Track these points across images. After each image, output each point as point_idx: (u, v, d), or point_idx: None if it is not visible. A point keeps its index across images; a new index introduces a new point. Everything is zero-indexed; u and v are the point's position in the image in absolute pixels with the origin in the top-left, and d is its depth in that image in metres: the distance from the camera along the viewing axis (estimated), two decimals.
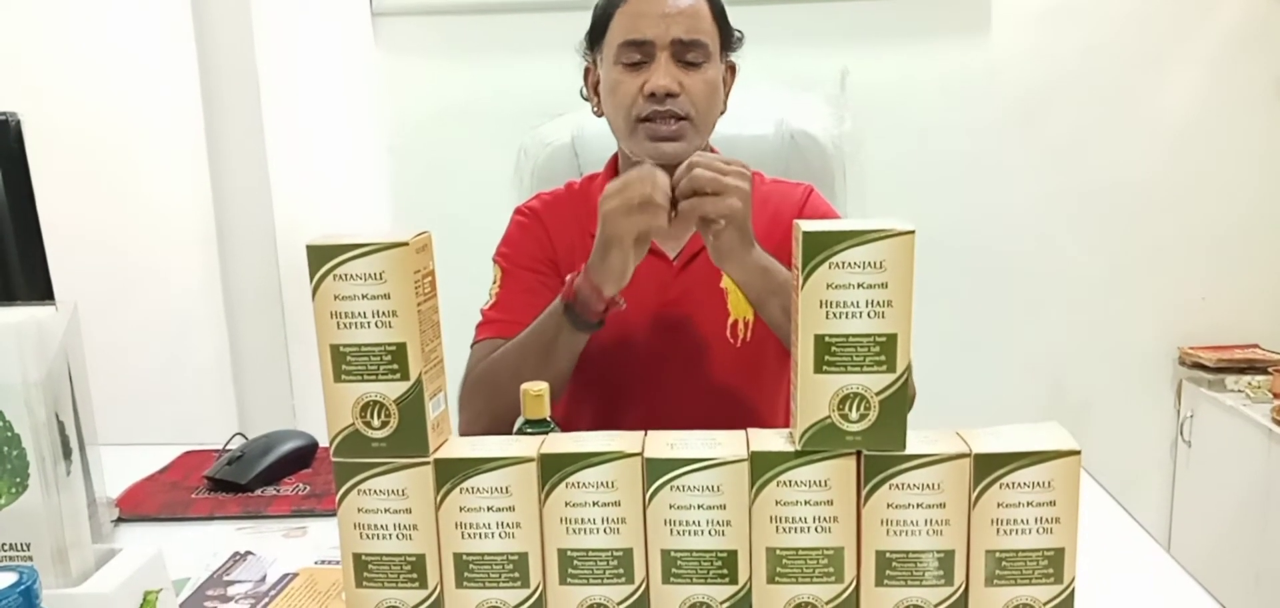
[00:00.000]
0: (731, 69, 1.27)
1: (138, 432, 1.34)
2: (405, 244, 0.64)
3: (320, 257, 0.65)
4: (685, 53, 1.16)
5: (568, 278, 1.09)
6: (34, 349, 0.70)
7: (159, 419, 1.78)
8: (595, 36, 1.24)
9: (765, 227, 1.21)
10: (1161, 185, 2.35)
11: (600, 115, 1.26)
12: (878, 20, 2.28)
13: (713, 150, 1.29)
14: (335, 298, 0.65)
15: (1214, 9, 2.27)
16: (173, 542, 0.91)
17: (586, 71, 1.28)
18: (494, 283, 1.27)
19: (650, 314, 1.23)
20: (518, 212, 1.33)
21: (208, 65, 2.09)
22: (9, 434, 0.71)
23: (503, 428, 1.00)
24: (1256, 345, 2.38)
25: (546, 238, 1.28)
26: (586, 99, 1.30)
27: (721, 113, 1.25)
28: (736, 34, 1.25)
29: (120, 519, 1.10)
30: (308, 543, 1.02)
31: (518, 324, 1.17)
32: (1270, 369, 2.20)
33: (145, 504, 1.14)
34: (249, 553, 0.99)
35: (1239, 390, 2.23)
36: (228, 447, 1.26)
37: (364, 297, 0.65)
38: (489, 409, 1.16)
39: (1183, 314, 2.40)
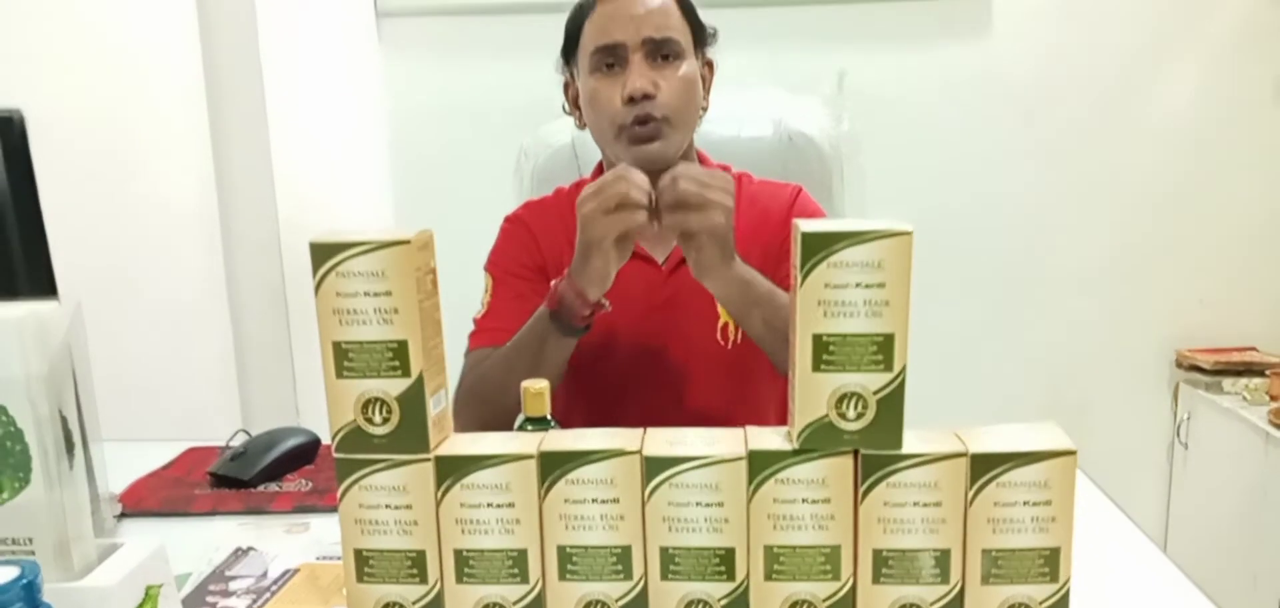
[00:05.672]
0: (709, 66, 1.26)
1: (141, 428, 1.34)
2: (407, 242, 0.65)
3: (323, 254, 0.65)
4: (658, 51, 1.17)
5: (552, 284, 1.09)
6: (36, 344, 0.70)
7: (163, 415, 1.79)
8: (569, 49, 1.24)
9: (753, 225, 1.21)
10: (1160, 188, 2.35)
11: (583, 128, 1.26)
12: (876, 22, 2.28)
13: (700, 153, 1.30)
14: (337, 295, 0.66)
15: (1214, 11, 2.27)
16: (175, 537, 0.91)
17: (566, 86, 1.28)
18: (485, 292, 1.27)
19: (640, 319, 1.23)
20: (506, 220, 1.34)
21: (212, 64, 2.10)
22: (11, 429, 0.71)
23: None
24: (1253, 348, 2.38)
25: (534, 245, 1.28)
26: (568, 114, 1.30)
27: (703, 110, 1.25)
28: (710, 30, 1.25)
29: (123, 515, 1.10)
30: (310, 539, 1.03)
31: (509, 331, 1.17)
32: (1267, 372, 2.20)
33: (148, 500, 1.14)
34: (251, 549, 1.00)
35: (1236, 393, 2.23)
36: (231, 443, 1.27)
37: (366, 294, 0.65)
38: (479, 421, 1.15)
39: (1180, 316, 2.41)
